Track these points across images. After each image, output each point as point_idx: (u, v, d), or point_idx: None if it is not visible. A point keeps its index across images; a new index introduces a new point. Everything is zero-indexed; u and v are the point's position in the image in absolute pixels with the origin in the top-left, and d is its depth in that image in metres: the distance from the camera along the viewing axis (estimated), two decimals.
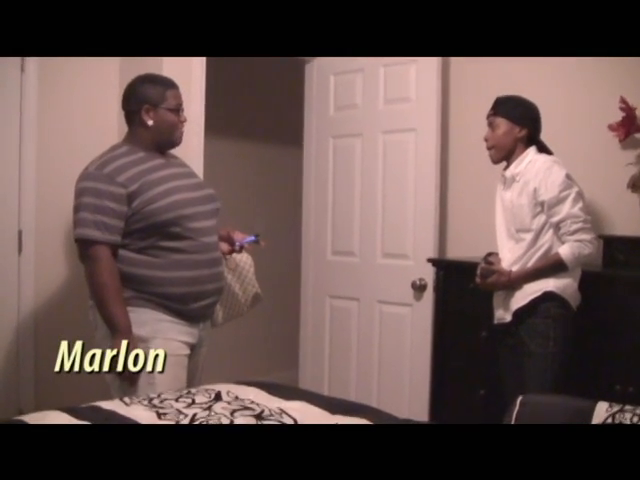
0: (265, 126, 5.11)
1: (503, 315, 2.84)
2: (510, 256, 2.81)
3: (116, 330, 2.39)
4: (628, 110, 3.10)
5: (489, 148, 2.87)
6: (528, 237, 2.76)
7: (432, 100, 3.59)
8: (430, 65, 3.59)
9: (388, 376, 3.76)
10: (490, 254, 2.91)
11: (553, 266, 2.71)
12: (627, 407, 1.90)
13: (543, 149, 2.86)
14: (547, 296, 2.72)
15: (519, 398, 2.05)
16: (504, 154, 2.84)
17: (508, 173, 2.84)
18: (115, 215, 2.40)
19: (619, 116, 3.11)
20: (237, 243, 2.74)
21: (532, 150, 2.83)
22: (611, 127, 3.13)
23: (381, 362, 3.80)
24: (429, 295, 3.57)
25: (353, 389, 3.89)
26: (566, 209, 2.69)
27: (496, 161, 2.88)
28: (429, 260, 3.50)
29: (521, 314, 2.77)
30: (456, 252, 3.74)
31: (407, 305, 3.68)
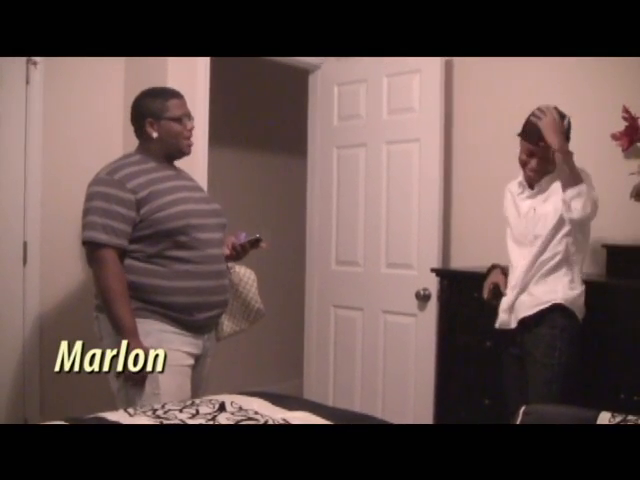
0: (269, 136, 5.13)
1: (507, 320, 2.81)
2: (524, 262, 2.77)
3: (122, 332, 2.40)
4: (631, 120, 3.11)
5: (532, 174, 2.78)
6: (544, 243, 2.71)
7: (436, 110, 3.60)
8: (433, 75, 3.61)
9: (393, 386, 3.76)
10: (495, 266, 2.90)
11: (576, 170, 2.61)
12: (630, 417, 1.90)
13: None
14: (555, 307, 2.71)
15: (522, 408, 2.06)
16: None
17: (538, 187, 2.78)
18: (123, 220, 2.42)
19: (622, 125, 3.12)
20: (243, 234, 2.71)
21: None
22: (614, 136, 3.14)
23: (386, 372, 3.80)
24: (433, 305, 3.58)
25: (358, 399, 3.89)
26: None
27: (533, 185, 2.80)
28: (433, 270, 3.49)
29: (527, 323, 2.75)
30: (460, 262, 3.74)
31: (411, 315, 3.68)
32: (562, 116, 2.74)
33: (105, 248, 2.42)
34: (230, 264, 2.74)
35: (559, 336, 2.68)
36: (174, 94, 2.62)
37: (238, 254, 2.73)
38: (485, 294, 2.90)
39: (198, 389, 2.63)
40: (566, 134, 2.74)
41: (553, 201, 2.71)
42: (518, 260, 2.81)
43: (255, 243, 2.73)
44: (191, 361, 2.55)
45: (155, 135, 2.56)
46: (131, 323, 2.41)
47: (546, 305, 2.71)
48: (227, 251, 2.68)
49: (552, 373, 2.68)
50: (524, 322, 2.76)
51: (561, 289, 2.71)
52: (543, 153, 2.72)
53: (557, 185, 2.70)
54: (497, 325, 2.87)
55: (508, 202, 2.92)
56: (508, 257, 2.87)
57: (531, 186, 2.82)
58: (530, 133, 2.73)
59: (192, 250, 2.49)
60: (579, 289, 2.74)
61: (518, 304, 2.78)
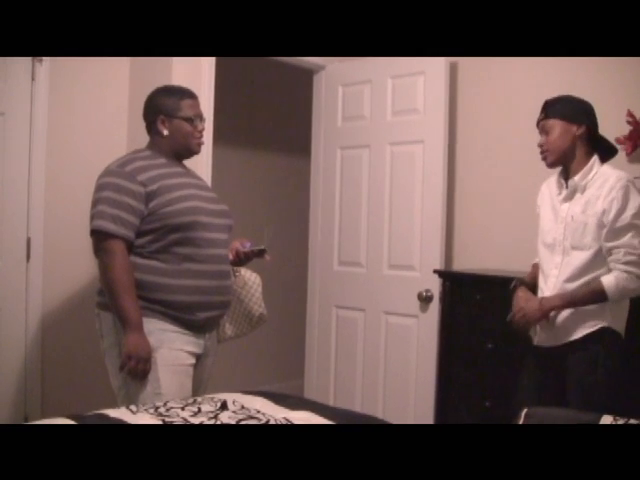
0: (273, 136, 5.13)
1: (548, 342, 2.62)
2: (563, 274, 2.58)
3: (127, 324, 2.39)
4: (635, 124, 3.11)
5: (543, 152, 2.63)
6: (584, 255, 2.54)
7: (440, 112, 3.61)
8: (438, 77, 3.61)
9: (394, 387, 3.77)
10: (521, 283, 2.73)
11: (592, 295, 2.49)
12: (632, 421, 1.90)
13: (605, 148, 2.68)
14: (602, 330, 2.54)
15: (524, 410, 2.05)
16: (560, 156, 2.61)
17: (571, 183, 2.60)
18: (132, 212, 2.42)
19: (626, 129, 3.12)
20: (248, 243, 2.74)
21: (596, 160, 2.62)
22: (618, 140, 3.13)
23: (387, 373, 3.80)
24: (435, 306, 3.58)
25: (359, 399, 3.89)
26: (627, 238, 2.48)
27: (551, 164, 2.65)
28: (435, 271, 3.50)
29: (570, 345, 2.57)
30: (462, 264, 3.75)
31: (413, 316, 3.68)
32: (580, 102, 2.65)
33: (113, 239, 2.41)
34: (235, 267, 2.75)
35: (603, 354, 2.52)
36: (189, 94, 2.63)
37: (241, 261, 2.76)
38: (517, 320, 2.63)
39: (199, 388, 2.62)
40: (591, 118, 2.64)
41: (593, 212, 2.53)
42: (550, 269, 2.63)
43: (259, 253, 2.75)
44: (192, 360, 2.55)
45: (166, 133, 2.57)
46: (137, 316, 2.40)
47: (593, 329, 2.53)
48: (230, 256, 2.69)
49: (597, 391, 2.49)
50: (567, 344, 2.57)
51: (608, 309, 2.53)
52: (561, 129, 2.59)
53: (597, 189, 2.55)
54: (536, 342, 2.67)
55: (544, 200, 2.75)
56: (540, 260, 2.72)
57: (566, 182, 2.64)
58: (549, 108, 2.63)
59: (196, 248, 2.49)
60: (625, 310, 2.59)
61: (560, 321, 2.58)
